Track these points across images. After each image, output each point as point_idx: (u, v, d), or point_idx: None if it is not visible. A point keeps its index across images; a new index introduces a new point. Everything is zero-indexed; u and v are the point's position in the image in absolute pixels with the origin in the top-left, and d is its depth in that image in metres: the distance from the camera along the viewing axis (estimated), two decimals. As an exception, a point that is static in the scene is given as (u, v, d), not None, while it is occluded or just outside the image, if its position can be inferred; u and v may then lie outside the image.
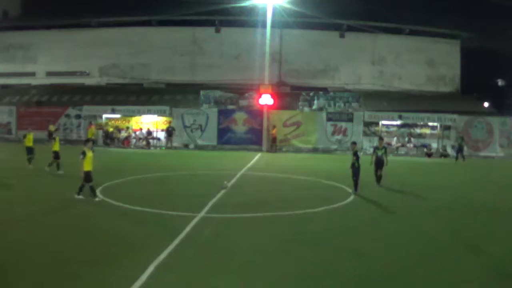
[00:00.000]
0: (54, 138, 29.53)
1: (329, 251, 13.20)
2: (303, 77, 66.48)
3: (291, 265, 11.82)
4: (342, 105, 53.98)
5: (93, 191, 19.28)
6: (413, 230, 15.90)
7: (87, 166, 19.13)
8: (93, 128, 46.89)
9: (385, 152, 25.40)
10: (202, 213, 17.08)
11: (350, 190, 22.61)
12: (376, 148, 25.98)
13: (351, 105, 53.99)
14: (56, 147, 28.39)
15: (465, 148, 44.16)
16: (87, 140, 20.65)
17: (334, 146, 50.39)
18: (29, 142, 29.97)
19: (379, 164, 25.17)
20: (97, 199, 19.03)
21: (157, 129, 53.37)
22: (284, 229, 15.53)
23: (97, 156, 20.80)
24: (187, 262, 11.77)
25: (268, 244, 13.73)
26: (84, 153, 19.02)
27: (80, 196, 19.18)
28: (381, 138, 27.55)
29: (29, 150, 29.73)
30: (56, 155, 28.17)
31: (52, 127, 48.40)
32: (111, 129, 53.13)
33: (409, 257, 12.71)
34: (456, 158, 41.89)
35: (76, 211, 17.55)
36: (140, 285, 10.04)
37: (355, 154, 22.82)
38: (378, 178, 25.26)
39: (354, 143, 24.10)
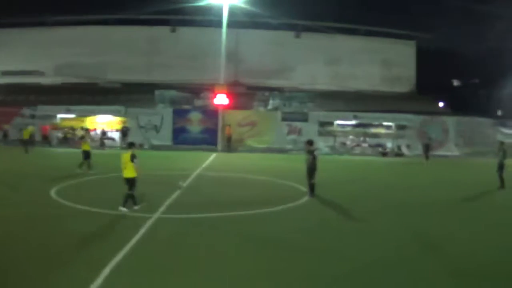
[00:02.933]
0: (83, 138, 29.99)
1: (283, 250, 13.21)
2: (258, 77, 66.65)
3: (245, 264, 11.83)
4: (297, 105, 54.24)
5: (133, 198, 18.06)
6: (369, 229, 15.99)
7: (135, 171, 18.00)
8: (29, 129, 46.09)
9: (314, 157, 21.76)
10: (158, 214, 17.02)
11: (305, 190, 22.61)
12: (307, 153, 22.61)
13: (306, 105, 54.31)
14: (87, 147, 28.76)
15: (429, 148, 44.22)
16: (132, 144, 19.46)
17: (289, 146, 50.52)
18: None
19: (309, 171, 21.81)
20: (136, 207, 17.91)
21: (111, 129, 52.96)
22: (239, 229, 15.54)
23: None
24: (142, 263, 11.68)
25: (223, 244, 13.72)
26: (135, 157, 17.97)
27: (125, 209, 17.66)
28: (308, 142, 23.07)
29: None
30: (87, 155, 28.37)
31: (27, 132, 47.53)
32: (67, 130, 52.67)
33: (363, 256, 12.76)
34: (427, 157, 42.09)
35: (28, 212, 17.31)
36: (96, 287, 9.94)
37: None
38: (311, 188, 21.93)
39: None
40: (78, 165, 28.54)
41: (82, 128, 51.72)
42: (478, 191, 25.07)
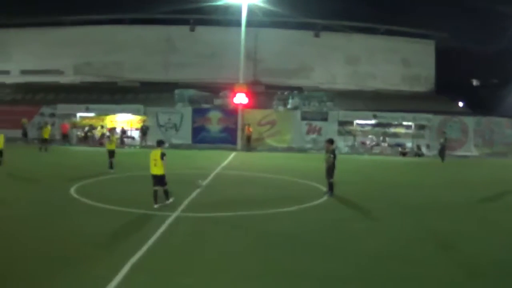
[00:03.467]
0: (109, 138, 29.97)
1: (301, 250, 13.15)
2: (277, 76, 66.59)
3: (262, 264, 11.77)
4: (316, 104, 54.12)
5: (166, 194, 18.61)
6: (385, 229, 15.90)
7: (164, 169, 18.37)
8: (49, 128, 46.02)
9: (334, 157, 21.87)
10: (177, 213, 17.00)
11: (324, 189, 22.53)
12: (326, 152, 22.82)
13: (325, 104, 54.15)
14: (113, 146, 28.68)
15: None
16: (162, 142, 19.74)
17: (309, 145, 50.43)
18: None
19: (328, 169, 21.95)
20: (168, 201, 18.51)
21: (131, 128, 53.10)
22: (258, 229, 15.50)
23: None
24: (162, 262, 11.67)
25: (241, 243, 13.69)
26: (165, 154, 18.32)
27: (157, 205, 18.03)
28: (328, 140, 23.12)
29: None
30: (112, 154, 28.31)
31: (25, 121, 48.12)
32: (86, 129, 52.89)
33: (380, 256, 12.67)
34: (442, 158, 41.86)
35: (49, 210, 17.39)
36: (115, 285, 9.94)
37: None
38: (330, 187, 21.98)
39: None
40: (109, 166, 28.30)
41: (102, 127, 51.97)
42: (496, 191, 24.92)
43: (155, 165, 18.23)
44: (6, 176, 25.91)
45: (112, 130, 33.15)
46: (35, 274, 10.57)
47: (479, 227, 16.66)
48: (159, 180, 18.22)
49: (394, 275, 11.20)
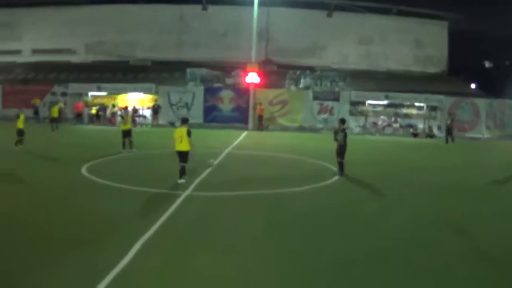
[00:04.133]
0: (123, 118, 29.67)
1: (313, 231, 13.16)
2: (290, 56, 66.20)
3: (274, 244, 11.79)
4: (328, 84, 54.00)
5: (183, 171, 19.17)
6: (397, 211, 15.89)
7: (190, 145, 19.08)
8: (57, 106, 45.74)
9: (345, 136, 21.97)
10: (188, 191, 17.04)
11: (335, 169, 22.55)
12: (335, 132, 22.89)
13: (337, 84, 54.02)
14: (128, 126, 28.39)
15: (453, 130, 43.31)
16: (186, 119, 20.39)
17: (320, 125, 50.41)
18: (20, 123, 28.85)
19: (339, 149, 22.01)
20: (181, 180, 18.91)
21: (143, 107, 53.16)
22: (268, 208, 15.53)
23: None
24: (172, 241, 11.71)
25: (252, 222, 13.72)
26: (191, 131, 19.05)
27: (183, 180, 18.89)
28: (341, 120, 23.22)
29: (20, 132, 28.58)
30: (126, 133, 28.09)
31: (37, 101, 48.17)
32: (94, 108, 52.92)
33: (392, 238, 12.66)
34: (446, 140, 41.55)
35: (60, 189, 17.47)
36: (126, 264, 9.96)
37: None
38: (340, 166, 22.13)
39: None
40: (129, 145, 28.10)
41: (114, 106, 52.05)
42: (508, 174, 24.77)
43: (180, 142, 18.86)
44: (25, 155, 26.13)
45: (125, 109, 32.97)
46: (46, 253, 10.61)
47: (492, 210, 16.60)
48: (183, 156, 18.91)
49: (406, 259, 11.17)
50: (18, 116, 28.98)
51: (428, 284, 9.78)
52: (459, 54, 68.65)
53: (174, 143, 19.01)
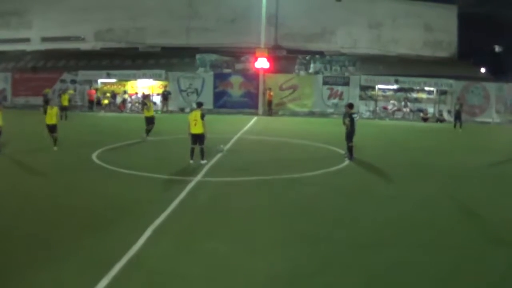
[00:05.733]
0: (146, 104, 29.29)
1: (324, 215, 13.26)
2: (299, 41, 65.92)
3: (286, 228, 11.90)
4: (338, 68, 53.85)
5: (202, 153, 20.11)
6: (408, 195, 15.93)
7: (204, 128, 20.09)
8: (67, 94, 45.47)
9: (352, 121, 22.16)
10: (199, 177, 17.17)
11: (343, 152, 22.62)
12: (344, 116, 23.14)
13: (347, 69, 53.86)
14: (151, 112, 28.25)
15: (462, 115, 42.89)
16: (201, 103, 21.71)
17: (331, 110, 50.30)
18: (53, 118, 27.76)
19: (348, 133, 22.26)
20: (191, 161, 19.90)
21: (152, 93, 53.14)
22: (279, 193, 15.63)
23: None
24: (184, 226, 11.86)
25: (263, 207, 13.82)
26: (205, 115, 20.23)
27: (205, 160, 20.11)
28: (348, 105, 23.60)
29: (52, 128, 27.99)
30: (150, 121, 27.91)
31: (48, 90, 48.21)
32: (106, 99, 52.95)
33: (403, 222, 12.77)
34: (455, 125, 41.29)
35: (72, 175, 17.59)
36: (137, 249, 10.11)
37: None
38: (350, 150, 22.39)
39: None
40: (146, 132, 27.66)
41: (125, 92, 52.13)
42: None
43: (195, 125, 19.83)
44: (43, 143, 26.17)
45: (148, 96, 32.76)
46: (59, 239, 10.77)
47: (504, 194, 16.52)
48: (199, 138, 19.78)
49: (417, 243, 11.25)
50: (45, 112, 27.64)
51: (442, 266, 9.81)
52: (469, 38, 68.22)
53: (188, 126, 19.46)
